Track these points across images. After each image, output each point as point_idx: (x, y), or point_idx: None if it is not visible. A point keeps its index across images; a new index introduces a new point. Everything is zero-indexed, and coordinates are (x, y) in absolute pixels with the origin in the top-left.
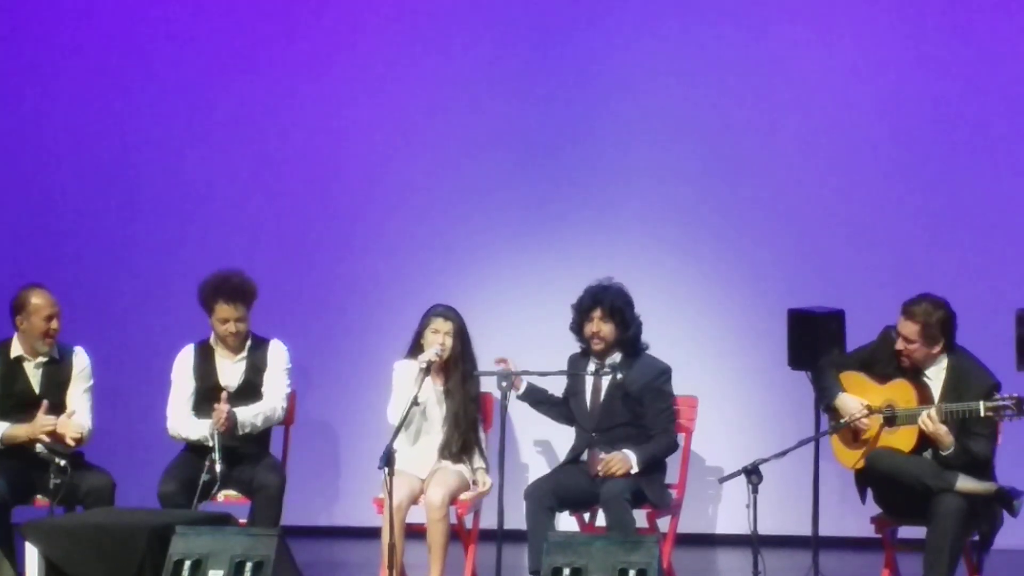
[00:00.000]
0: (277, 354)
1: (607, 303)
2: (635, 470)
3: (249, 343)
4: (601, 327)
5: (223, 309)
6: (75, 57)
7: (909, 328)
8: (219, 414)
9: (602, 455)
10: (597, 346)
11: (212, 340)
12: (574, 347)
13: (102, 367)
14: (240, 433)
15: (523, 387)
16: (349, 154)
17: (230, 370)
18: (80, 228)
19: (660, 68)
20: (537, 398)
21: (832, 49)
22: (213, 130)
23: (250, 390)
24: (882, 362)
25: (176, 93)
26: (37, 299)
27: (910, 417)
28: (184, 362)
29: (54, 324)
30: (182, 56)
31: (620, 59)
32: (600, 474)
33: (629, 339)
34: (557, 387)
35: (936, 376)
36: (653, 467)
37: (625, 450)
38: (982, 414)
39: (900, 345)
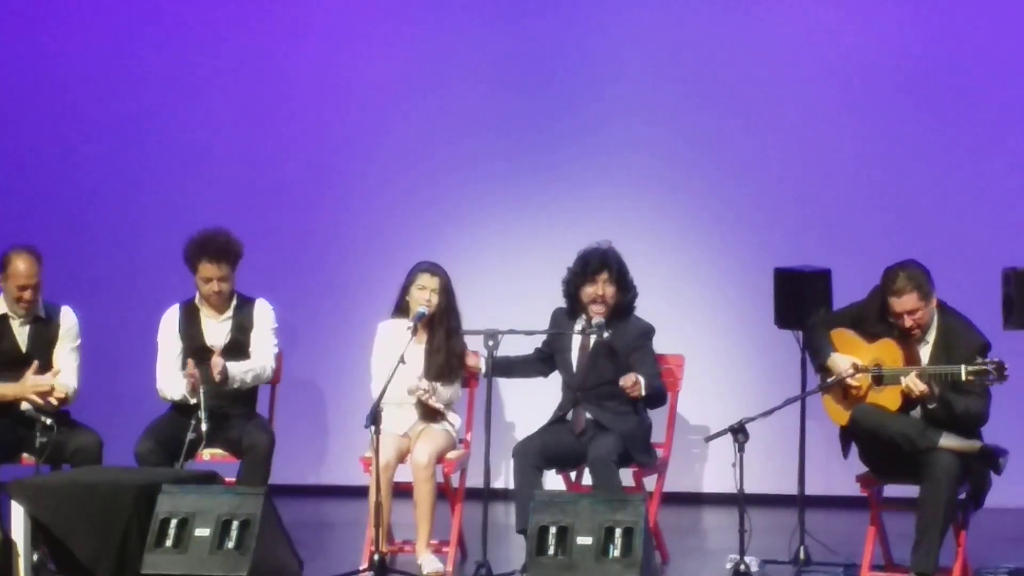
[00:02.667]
0: (263, 313)
1: (614, 266)
2: (642, 394)
3: (235, 302)
4: (607, 290)
5: (207, 268)
6: (64, 19)
7: (908, 302)
8: (215, 367)
9: (625, 381)
10: (599, 310)
11: (197, 300)
12: (558, 305)
13: (89, 326)
14: (230, 387)
15: (483, 367)
16: (335, 112)
17: (216, 330)
18: (68, 187)
19: (646, 28)
20: (504, 368)
21: (820, 8)
22: (202, 90)
23: (237, 349)
24: (871, 320)
25: (166, 54)
26: (18, 264)
27: (896, 377)
28: (170, 323)
29: (26, 295)
30: (170, 15)
31: (608, 18)
32: (625, 387)
33: (627, 301)
34: (534, 342)
35: (929, 335)
36: (640, 424)
37: (636, 374)
38: (963, 378)
39: (909, 322)
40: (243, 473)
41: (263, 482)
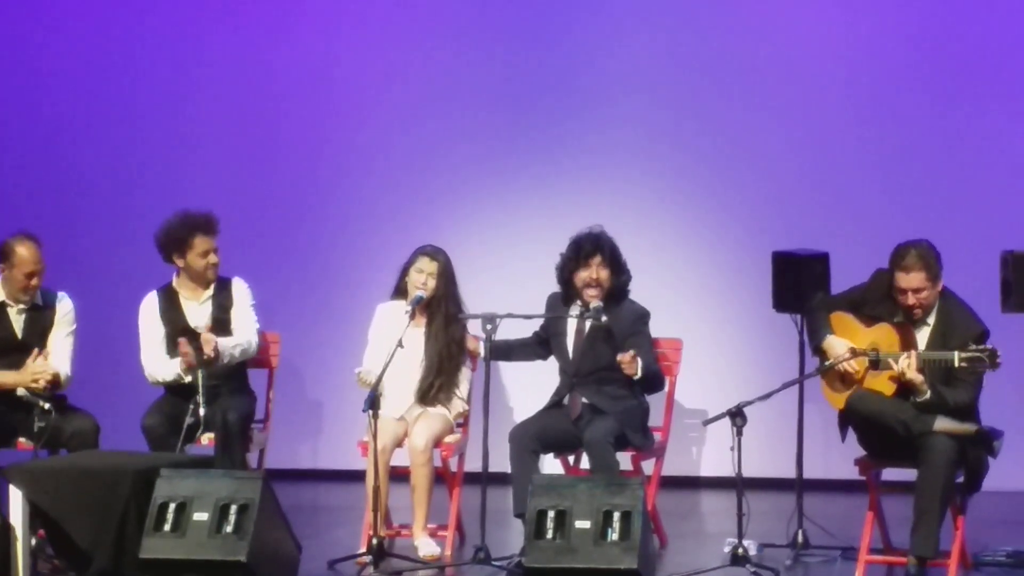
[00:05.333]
0: (241, 291)
1: (607, 250)
2: (638, 376)
3: (214, 284)
4: (600, 273)
5: (203, 242)
6: (55, 5)
7: (915, 279)
8: (207, 343)
9: (623, 356)
10: (592, 293)
11: (175, 283)
12: (557, 288)
13: (85, 312)
14: (220, 363)
15: (483, 351)
16: (334, 93)
17: (197, 311)
18: (65, 172)
19: (644, 15)
20: (504, 351)
21: None
22: (191, 75)
23: (220, 328)
24: (871, 304)
25: (154, 39)
26: (22, 251)
27: (891, 362)
28: (150, 308)
29: (34, 281)
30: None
31: (610, 3)
32: (622, 362)
33: (621, 284)
34: (532, 326)
35: (929, 319)
36: (638, 408)
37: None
38: (957, 364)
39: (912, 301)
40: (217, 450)
41: (239, 459)
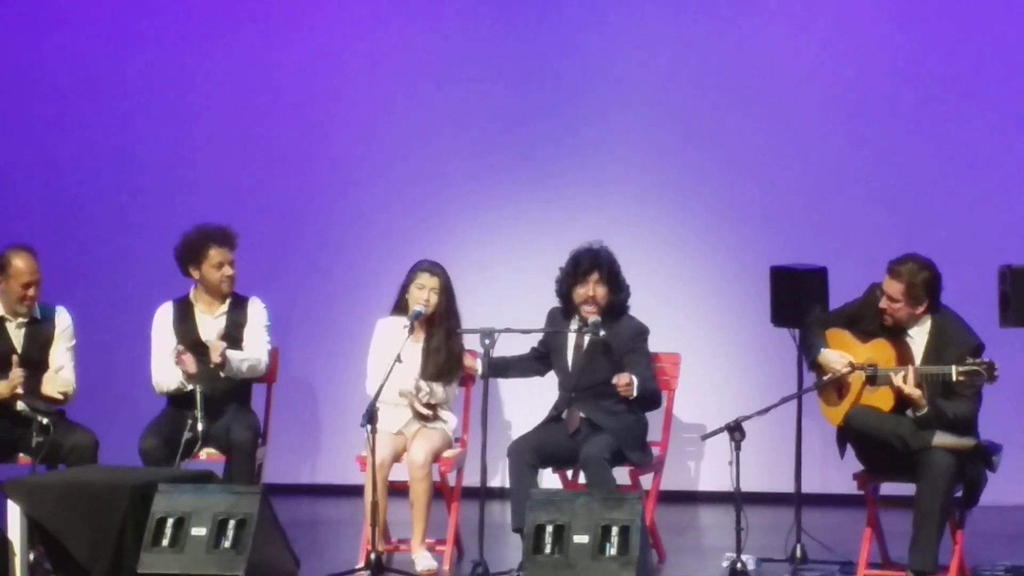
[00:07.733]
0: (257, 311)
1: (605, 267)
2: (634, 396)
3: (230, 300)
4: (597, 291)
5: (218, 253)
6: (56, 16)
7: (894, 287)
8: (215, 349)
9: (618, 379)
10: (589, 309)
11: (192, 296)
12: (556, 304)
13: (83, 326)
14: (226, 373)
15: (480, 369)
16: (330, 110)
17: (210, 325)
18: (66, 186)
19: (643, 24)
20: (500, 368)
21: (818, 5)
22: (194, 88)
23: (231, 345)
24: (867, 319)
25: (157, 51)
26: (19, 263)
27: (889, 377)
28: (163, 319)
29: (31, 292)
30: (161, 11)
31: (605, 13)
32: (618, 386)
33: (620, 301)
34: (531, 341)
35: (919, 336)
36: (635, 423)
37: (630, 374)
38: (954, 378)
39: (884, 304)
40: (229, 469)
41: (249, 478)
